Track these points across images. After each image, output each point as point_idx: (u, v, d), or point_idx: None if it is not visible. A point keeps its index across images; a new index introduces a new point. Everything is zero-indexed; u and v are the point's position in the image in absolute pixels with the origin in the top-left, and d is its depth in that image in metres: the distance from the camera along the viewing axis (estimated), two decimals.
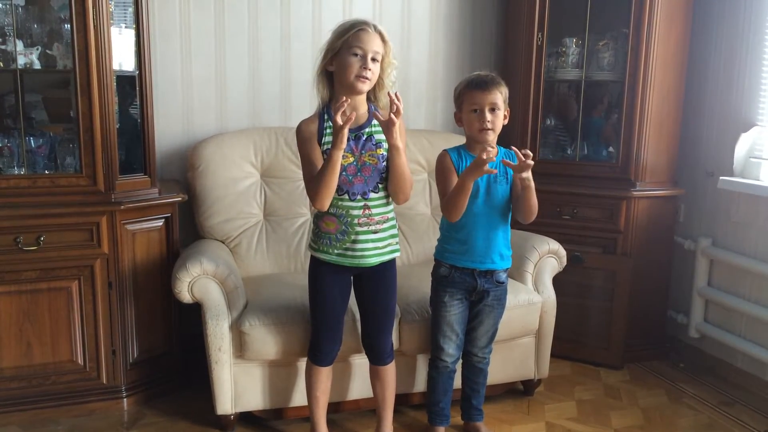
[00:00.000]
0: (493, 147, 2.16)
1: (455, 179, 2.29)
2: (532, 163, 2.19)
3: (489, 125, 2.27)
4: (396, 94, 2.11)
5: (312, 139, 2.22)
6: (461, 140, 2.42)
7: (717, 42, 3.19)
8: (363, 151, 2.20)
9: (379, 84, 2.23)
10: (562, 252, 2.89)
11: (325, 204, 2.18)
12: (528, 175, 2.22)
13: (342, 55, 2.15)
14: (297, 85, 3.26)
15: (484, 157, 2.11)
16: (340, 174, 2.18)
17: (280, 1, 3.21)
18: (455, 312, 2.39)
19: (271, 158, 3.01)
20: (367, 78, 2.15)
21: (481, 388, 2.53)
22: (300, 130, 2.25)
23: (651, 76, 3.04)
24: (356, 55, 2.13)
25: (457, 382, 2.54)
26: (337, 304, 2.33)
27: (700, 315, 3.27)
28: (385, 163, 2.23)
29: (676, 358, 3.32)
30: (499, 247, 2.35)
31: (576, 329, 3.20)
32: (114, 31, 2.56)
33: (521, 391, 2.92)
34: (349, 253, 2.24)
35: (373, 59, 2.15)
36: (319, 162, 2.20)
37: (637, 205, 3.13)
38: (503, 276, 2.41)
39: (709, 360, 3.23)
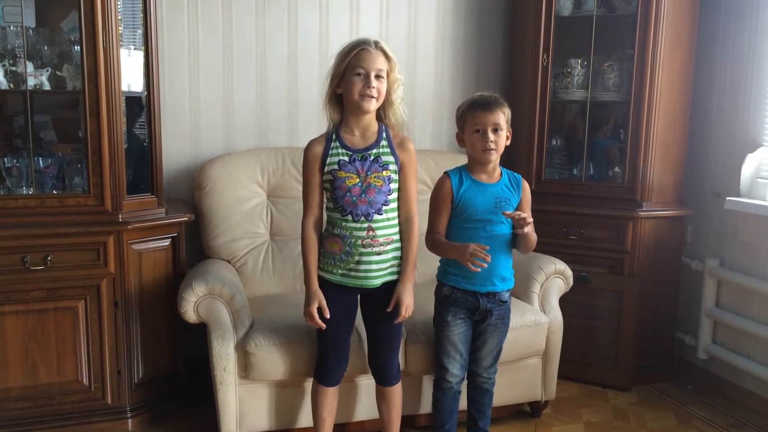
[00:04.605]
0: (487, 257, 2.18)
1: (446, 213, 2.35)
2: (530, 221, 2.25)
3: (492, 145, 2.28)
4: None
5: (314, 164, 2.24)
6: (466, 160, 2.42)
7: (722, 63, 3.20)
8: (369, 173, 2.21)
9: (387, 101, 2.25)
10: (569, 272, 2.88)
11: None
12: (527, 230, 2.26)
13: (347, 77, 2.17)
14: (304, 105, 3.28)
15: (470, 264, 2.18)
16: (345, 195, 2.20)
17: (288, 23, 3.24)
18: (459, 331, 2.38)
19: (278, 178, 3.03)
20: (371, 96, 2.16)
21: (487, 410, 2.51)
22: (306, 151, 2.27)
23: (656, 96, 3.05)
24: (359, 74, 2.15)
25: (463, 404, 2.52)
26: (342, 324, 2.33)
27: (708, 336, 3.25)
28: (391, 185, 2.24)
29: (684, 380, 3.29)
30: (500, 271, 2.35)
31: (583, 350, 3.18)
32: (123, 52, 2.59)
33: (528, 412, 2.90)
34: (353, 273, 2.24)
35: (377, 77, 2.16)
36: (315, 186, 2.25)
37: (644, 225, 3.12)
38: (506, 295, 2.41)
39: (718, 382, 3.20)
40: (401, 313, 2.27)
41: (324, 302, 2.25)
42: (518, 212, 2.24)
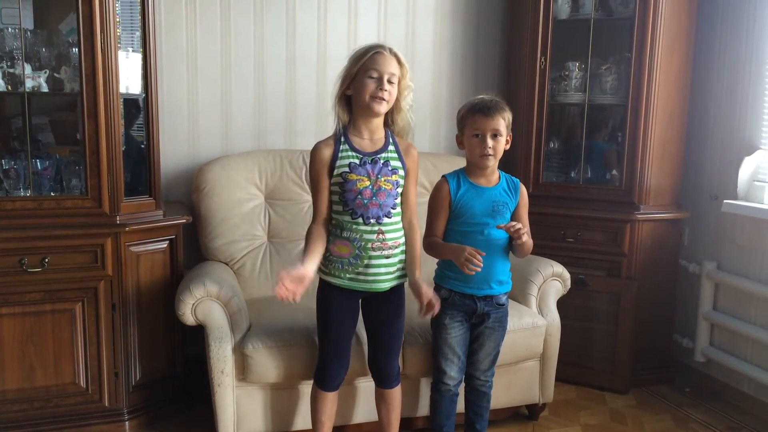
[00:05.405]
0: (480, 263, 2.18)
1: (444, 217, 2.35)
2: (525, 231, 2.24)
3: (490, 151, 2.28)
4: None
5: (323, 168, 2.23)
6: (465, 162, 2.42)
7: (719, 66, 3.21)
8: (379, 176, 2.21)
9: (396, 107, 2.25)
10: (567, 275, 2.89)
11: None
12: (525, 240, 2.26)
13: (359, 79, 2.18)
14: (302, 108, 3.28)
15: (465, 268, 2.18)
16: (355, 198, 2.20)
17: (286, 26, 3.24)
18: (456, 334, 2.38)
19: (276, 181, 3.03)
20: (383, 99, 2.17)
21: (485, 413, 2.51)
22: (314, 155, 2.26)
23: (654, 99, 3.05)
24: (372, 77, 2.16)
25: (461, 407, 2.52)
26: (345, 327, 2.32)
27: (705, 339, 3.25)
28: (398, 189, 2.25)
29: (682, 383, 3.30)
30: (497, 274, 2.35)
31: (581, 353, 3.18)
32: (121, 54, 2.59)
33: (526, 415, 2.90)
34: (362, 277, 2.24)
35: (389, 81, 2.17)
36: (325, 189, 2.23)
37: (642, 228, 3.13)
38: (503, 298, 2.41)
39: (715, 384, 3.21)
40: (433, 306, 2.25)
41: (307, 284, 2.13)
42: (512, 223, 2.23)
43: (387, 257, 2.24)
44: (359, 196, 2.20)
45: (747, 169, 3.04)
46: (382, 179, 2.22)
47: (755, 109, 3.03)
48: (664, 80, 3.07)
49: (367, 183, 2.20)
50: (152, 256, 2.72)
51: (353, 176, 2.20)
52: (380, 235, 2.22)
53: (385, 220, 2.23)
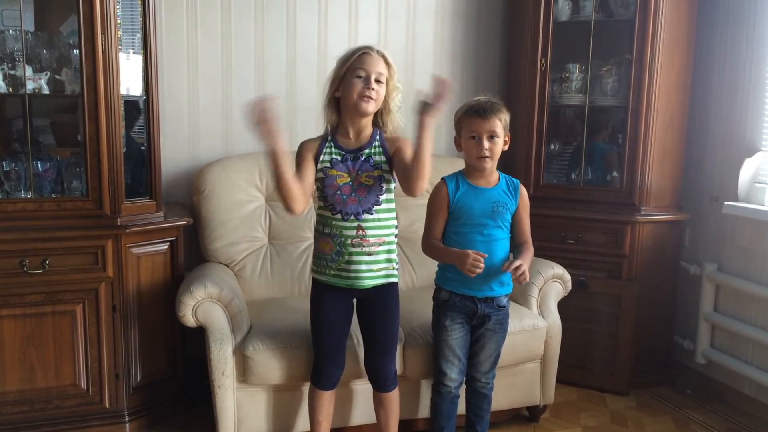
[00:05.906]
0: (482, 266, 2.18)
1: (443, 219, 2.35)
2: (525, 268, 2.22)
3: (486, 153, 2.28)
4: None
5: (308, 154, 2.25)
6: (464, 164, 2.41)
7: (720, 68, 3.21)
8: (360, 172, 2.22)
9: (385, 109, 2.26)
10: (567, 277, 2.88)
11: (295, 208, 2.16)
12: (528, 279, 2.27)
13: (347, 80, 2.19)
14: (302, 110, 3.28)
15: (469, 271, 2.18)
16: (335, 193, 2.21)
17: (287, 27, 3.24)
18: (456, 336, 2.38)
19: None
20: (370, 98, 2.17)
21: (486, 414, 2.51)
22: (300, 146, 2.28)
23: (654, 101, 3.05)
24: (360, 77, 2.17)
25: (461, 409, 2.52)
26: (337, 327, 2.33)
27: (706, 341, 3.25)
28: (383, 185, 2.25)
29: (682, 385, 3.29)
30: (498, 275, 2.35)
31: (581, 354, 3.18)
32: (122, 56, 2.59)
33: (526, 417, 2.90)
34: (344, 273, 2.25)
35: (377, 80, 2.18)
36: (307, 166, 2.22)
37: (642, 229, 3.13)
38: (504, 300, 2.41)
39: (716, 386, 3.21)
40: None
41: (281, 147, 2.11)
42: (513, 263, 2.21)
43: (369, 254, 2.24)
44: (338, 192, 2.21)
45: (747, 171, 3.04)
46: (363, 175, 2.22)
47: (756, 111, 3.03)
48: (664, 82, 3.07)
49: (347, 179, 2.22)
50: (153, 257, 2.73)
51: (333, 171, 2.22)
52: (360, 231, 2.22)
53: (366, 216, 2.23)
